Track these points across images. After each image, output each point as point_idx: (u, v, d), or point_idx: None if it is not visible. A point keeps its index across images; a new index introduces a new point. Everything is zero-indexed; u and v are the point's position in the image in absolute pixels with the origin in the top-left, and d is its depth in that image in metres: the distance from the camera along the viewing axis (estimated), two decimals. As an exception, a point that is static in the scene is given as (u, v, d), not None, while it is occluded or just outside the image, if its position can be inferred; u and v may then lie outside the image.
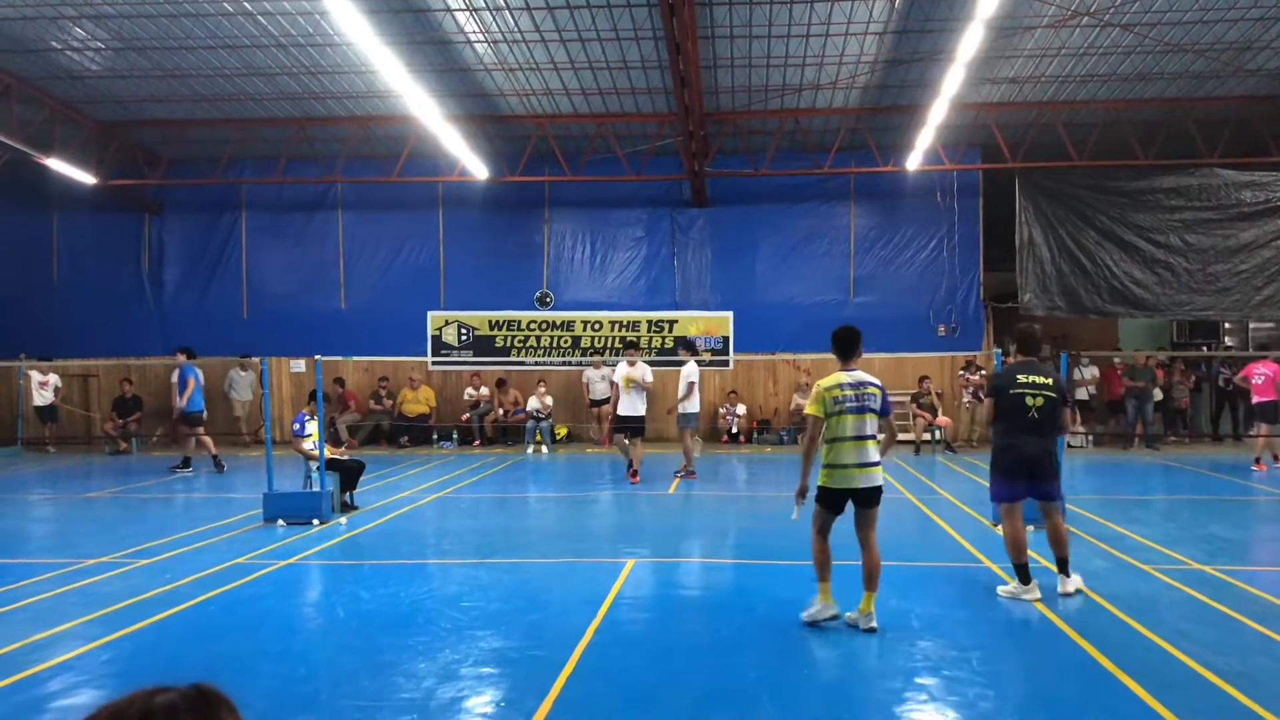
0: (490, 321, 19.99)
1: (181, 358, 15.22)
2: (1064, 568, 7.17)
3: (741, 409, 19.18)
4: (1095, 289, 18.30)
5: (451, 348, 20.02)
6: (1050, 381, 7.10)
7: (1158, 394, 18.71)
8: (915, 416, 18.13)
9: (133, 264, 20.52)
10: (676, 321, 19.63)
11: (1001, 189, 18.59)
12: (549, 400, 18.72)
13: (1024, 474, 7.04)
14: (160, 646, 6.07)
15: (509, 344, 19.97)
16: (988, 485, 7.40)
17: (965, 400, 18.45)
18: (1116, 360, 19.07)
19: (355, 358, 18.42)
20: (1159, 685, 5.08)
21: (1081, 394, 19.05)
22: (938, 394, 18.27)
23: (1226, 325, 20.70)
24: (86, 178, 17.94)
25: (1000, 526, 7.36)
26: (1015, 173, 18.24)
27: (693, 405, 13.77)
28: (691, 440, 14.16)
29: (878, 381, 6.44)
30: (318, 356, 11.31)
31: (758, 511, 11.83)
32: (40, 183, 18.83)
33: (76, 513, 11.90)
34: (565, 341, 19.68)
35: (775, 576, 7.99)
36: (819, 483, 6.42)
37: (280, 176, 19.12)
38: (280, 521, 10.13)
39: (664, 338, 19.51)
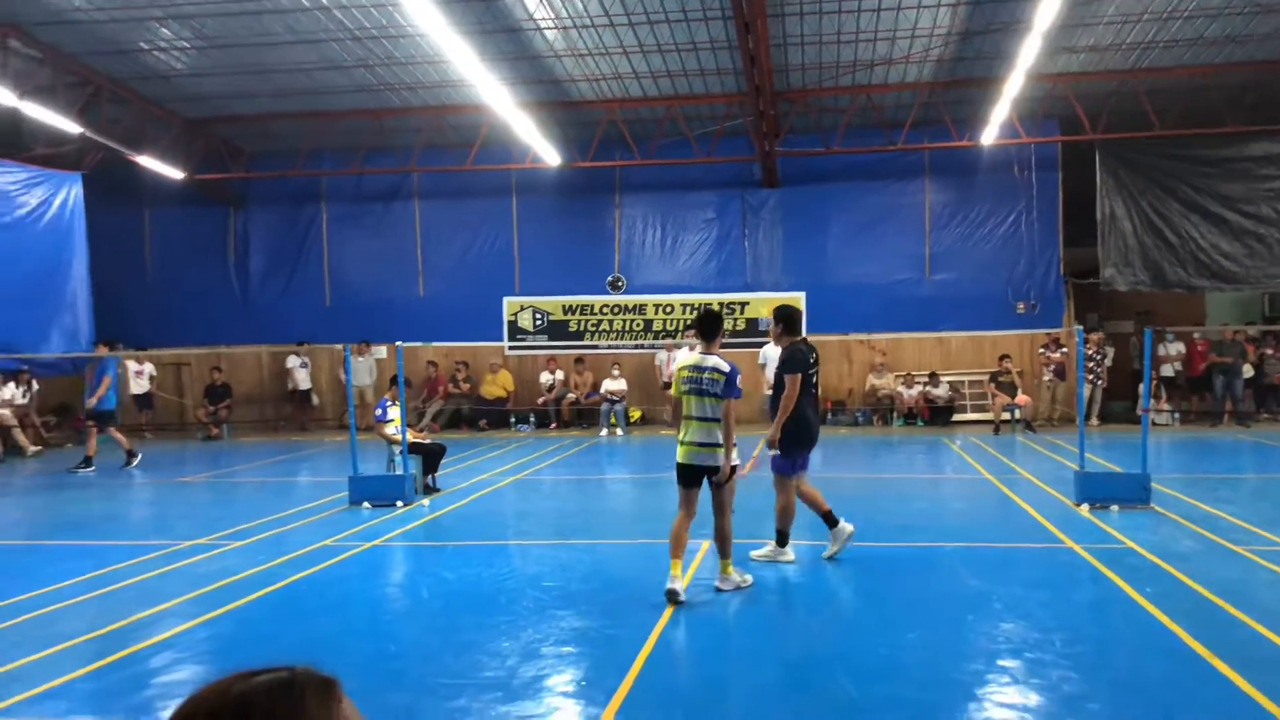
0: (564, 306, 20.17)
1: (103, 350, 14.84)
2: (831, 519, 7.73)
3: (816, 390, 19.03)
4: (1180, 262, 17.74)
5: (527, 332, 20.27)
6: (816, 355, 7.70)
7: (1248, 370, 18.08)
8: (993, 396, 17.82)
9: (219, 256, 21.17)
10: (748, 303, 19.57)
11: (1081, 161, 18.10)
12: (623, 383, 18.85)
13: (810, 446, 7.69)
14: (255, 625, 6.32)
15: (582, 328, 20.13)
16: (779, 455, 7.52)
17: (1047, 379, 18.06)
18: (1199, 335, 18.47)
19: (434, 343, 18.78)
20: (1250, 667, 4.98)
21: (1167, 370, 18.51)
22: (1018, 373, 17.92)
23: (1322, 297, 19.89)
24: (175, 173, 18.56)
25: (782, 497, 7.62)
26: (1095, 144, 17.74)
27: None
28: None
29: (726, 367, 6.57)
30: (399, 343, 11.56)
31: (835, 492, 11.79)
32: (131, 179, 19.51)
33: (173, 497, 12.39)
34: (638, 325, 19.77)
35: (854, 559, 7.97)
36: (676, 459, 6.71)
37: (358, 167, 19.53)
38: (365, 504, 10.41)
39: (735, 319, 19.45)
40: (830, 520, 7.71)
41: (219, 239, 21.17)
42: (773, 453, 7.52)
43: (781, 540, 7.67)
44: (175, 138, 18.60)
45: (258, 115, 18.53)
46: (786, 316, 7.64)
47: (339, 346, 15.32)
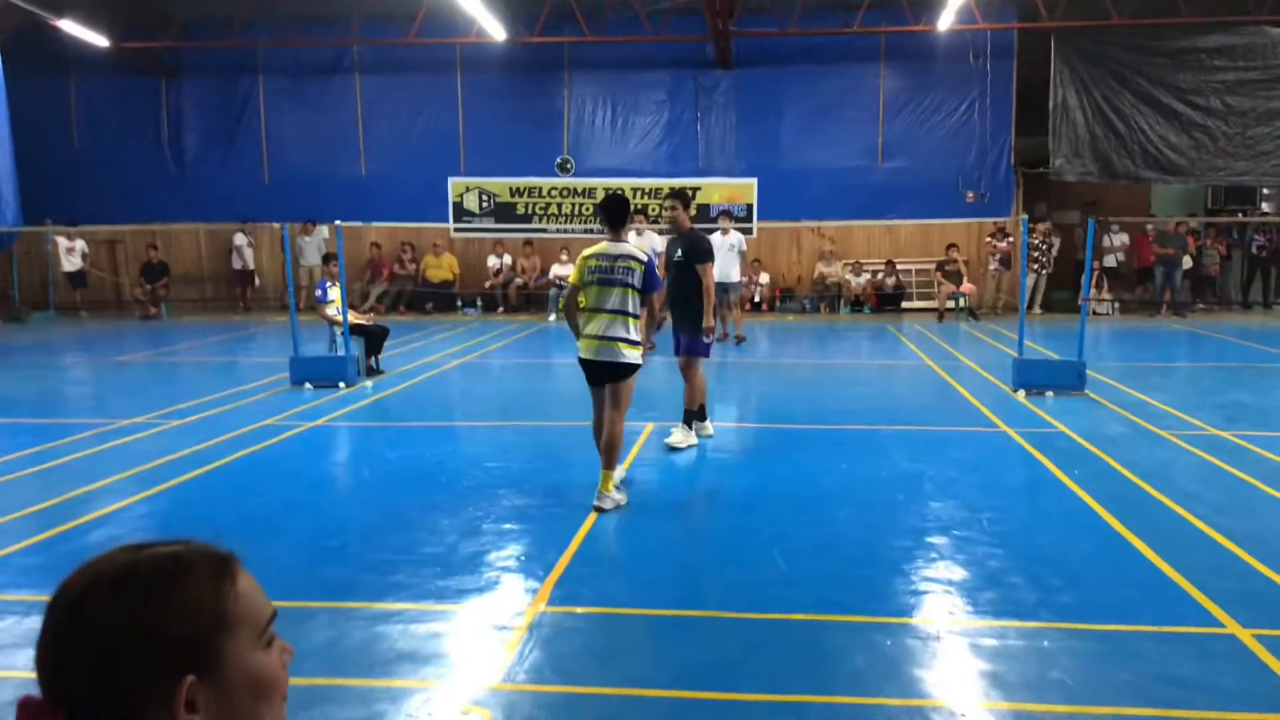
0: (511, 188, 19.79)
1: None
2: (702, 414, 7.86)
3: (765, 277, 19.08)
4: (1129, 154, 17.81)
5: (473, 214, 19.91)
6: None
7: (1187, 261, 18.40)
8: (940, 284, 18.00)
9: (152, 130, 20.32)
10: (699, 189, 19.34)
11: (1036, 51, 17.91)
12: (571, 268, 18.67)
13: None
14: (194, 502, 6.29)
15: (530, 211, 19.82)
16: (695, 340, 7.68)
17: (992, 268, 18.23)
18: (1148, 227, 18.71)
19: (377, 223, 18.39)
20: (1166, 545, 5.18)
21: (1110, 261, 18.78)
22: (964, 261, 18.07)
23: (1264, 191, 20.16)
24: (99, 40, 17.64)
25: (699, 378, 7.78)
26: (1051, 32, 17.53)
27: (734, 274, 14.22)
28: (731, 310, 14.38)
29: (643, 256, 6.07)
30: (338, 222, 11.30)
31: (779, 377, 11.94)
32: (54, 47, 18.50)
33: (110, 376, 12.17)
34: (587, 209, 19.49)
35: (791, 440, 8.10)
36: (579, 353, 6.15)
37: (296, 39, 18.70)
38: (307, 385, 10.31)
39: (676, 206, 19.21)
40: (702, 414, 7.85)
41: (150, 112, 20.29)
42: (708, 340, 7.60)
43: (701, 415, 7.80)
44: (99, 2, 17.60)
45: (189, -21, 17.58)
46: (685, 198, 7.64)
47: (276, 226, 14.95)
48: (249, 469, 7.08)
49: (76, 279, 19.07)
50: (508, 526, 5.70)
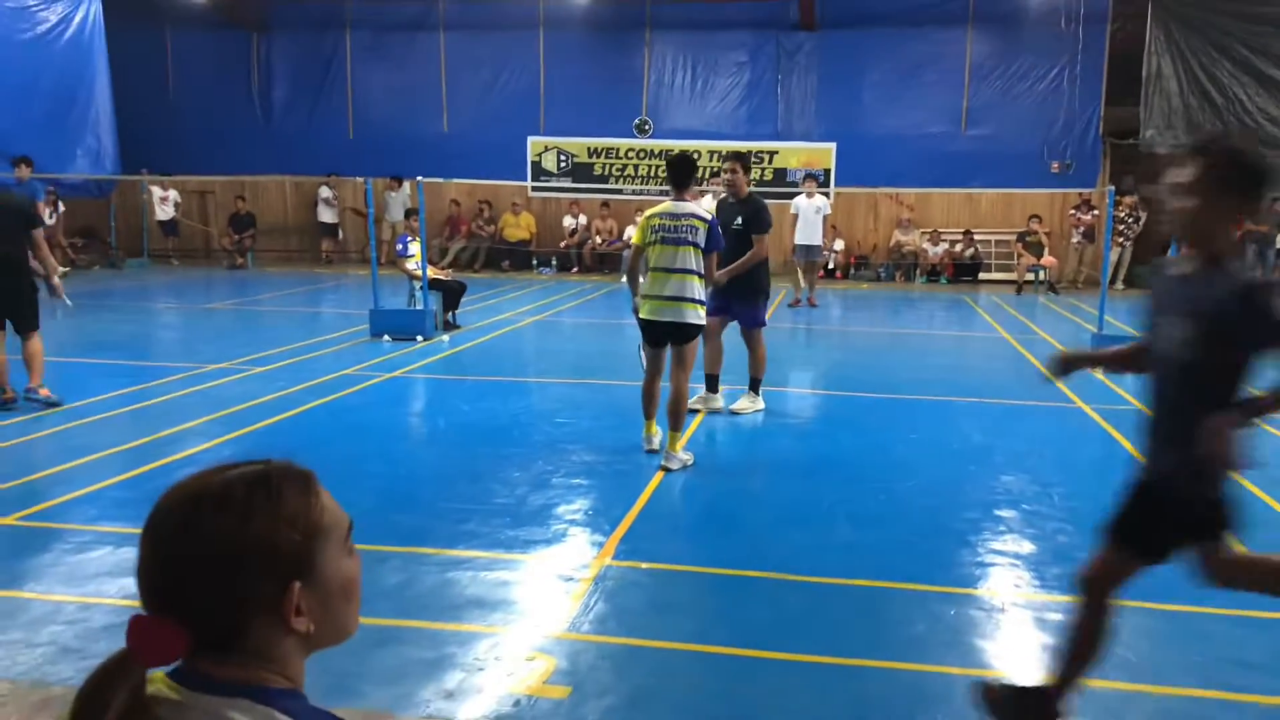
0: (589, 149, 19.82)
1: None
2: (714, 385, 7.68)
3: (840, 244, 18.87)
4: (1224, 125, 17.11)
5: (551, 174, 20.00)
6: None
7: (1280, 240, 17.69)
8: (1020, 256, 17.61)
9: (243, 83, 20.79)
10: (777, 153, 19.16)
11: (1131, 17, 17.26)
12: (646, 229, 18.68)
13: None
14: (275, 446, 6.47)
15: (607, 172, 19.84)
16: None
17: (1075, 240, 17.76)
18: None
19: (457, 180, 18.56)
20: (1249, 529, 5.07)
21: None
22: (1046, 233, 17.63)
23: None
24: (194, -6, 18.06)
25: (761, 348, 7.63)
26: (1150, -3, 16.87)
27: (816, 238, 14.37)
28: (804, 273, 14.41)
29: (706, 215, 6.08)
30: (419, 178, 11.48)
31: (850, 345, 11.87)
32: (150, 1, 18.99)
33: (199, 322, 12.61)
34: (663, 171, 19.38)
35: (862, 408, 8.08)
36: (639, 313, 6.17)
37: (382, -6, 18.90)
38: (386, 337, 10.56)
39: (764, 169, 19.10)
40: (714, 384, 7.65)
41: (242, 65, 20.74)
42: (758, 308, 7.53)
43: (755, 387, 7.65)
44: (195, -45, 18.01)
45: (280, -66, 17.86)
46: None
47: (360, 180, 15.22)
48: (328, 416, 7.32)
49: (169, 228, 19.68)
50: (576, 481, 5.82)
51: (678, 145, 18.75)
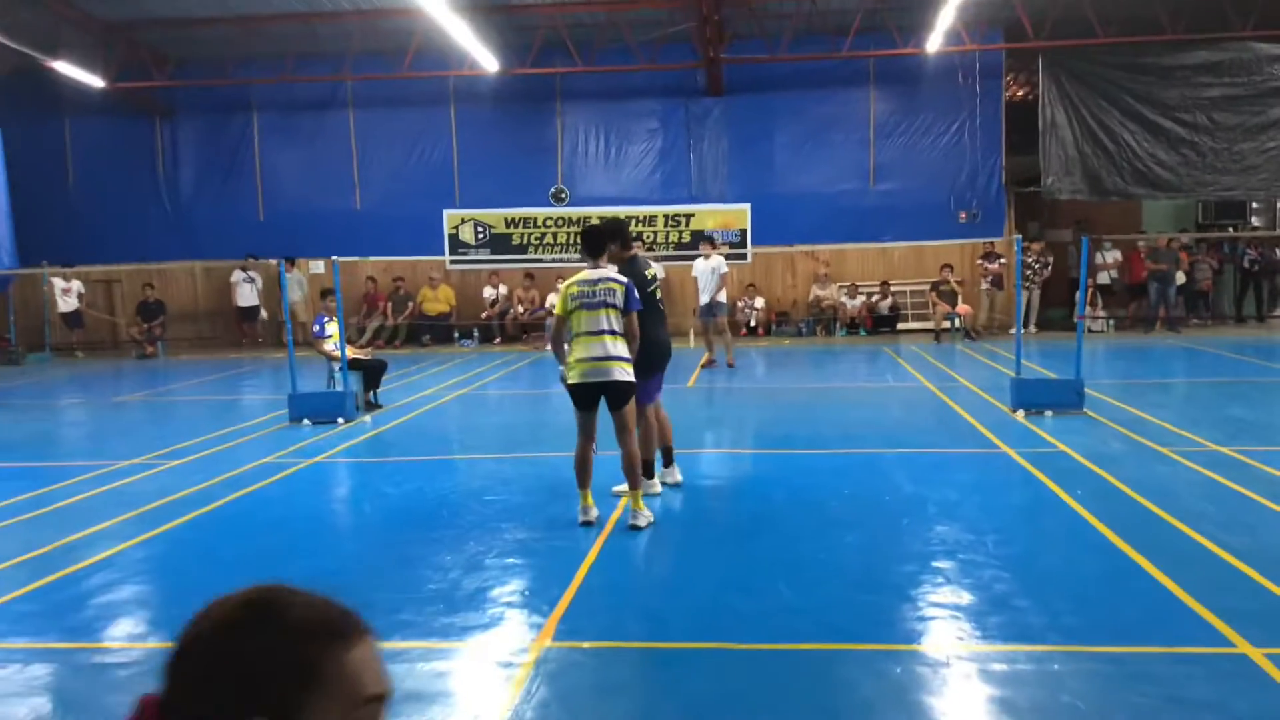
0: (506, 219, 19.86)
1: None
2: (669, 458, 7.26)
3: (760, 302, 19.12)
4: (1118, 171, 17.93)
5: (469, 246, 19.96)
6: (656, 270, 7.12)
7: (1180, 277, 18.47)
8: (935, 305, 18.04)
9: (148, 168, 20.41)
10: (693, 215, 19.42)
11: (1024, 71, 18.06)
12: (567, 297, 18.69)
13: (662, 365, 6.92)
14: (193, 544, 6.25)
15: (526, 241, 19.88)
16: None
17: (984, 288, 18.27)
18: (1140, 243, 18.80)
19: (372, 258, 18.42)
20: (1172, 564, 5.15)
21: (1103, 278, 18.85)
22: (958, 282, 18.11)
23: (1254, 205, 20.29)
24: (94, 80, 17.74)
25: (640, 424, 6.68)
26: (1039, 52, 17.69)
27: (722, 296, 14.28)
28: (715, 333, 14.30)
29: (622, 279, 6.20)
30: (335, 258, 11.31)
31: (777, 402, 11.93)
32: (49, 87, 18.60)
33: (106, 416, 12.14)
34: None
35: (795, 464, 8.09)
36: (567, 380, 6.21)
37: (289, 75, 18.82)
38: (306, 421, 10.28)
39: (681, 232, 19.33)
40: (668, 457, 7.23)
41: (146, 151, 20.39)
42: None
43: (648, 472, 6.85)
44: (94, 43, 17.72)
45: (181, 20, 17.69)
46: (614, 231, 6.65)
47: (273, 262, 14.98)
48: (248, 509, 7.05)
49: (72, 320, 19.07)
50: (511, 561, 5.67)
51: (594, 212, 18.93)
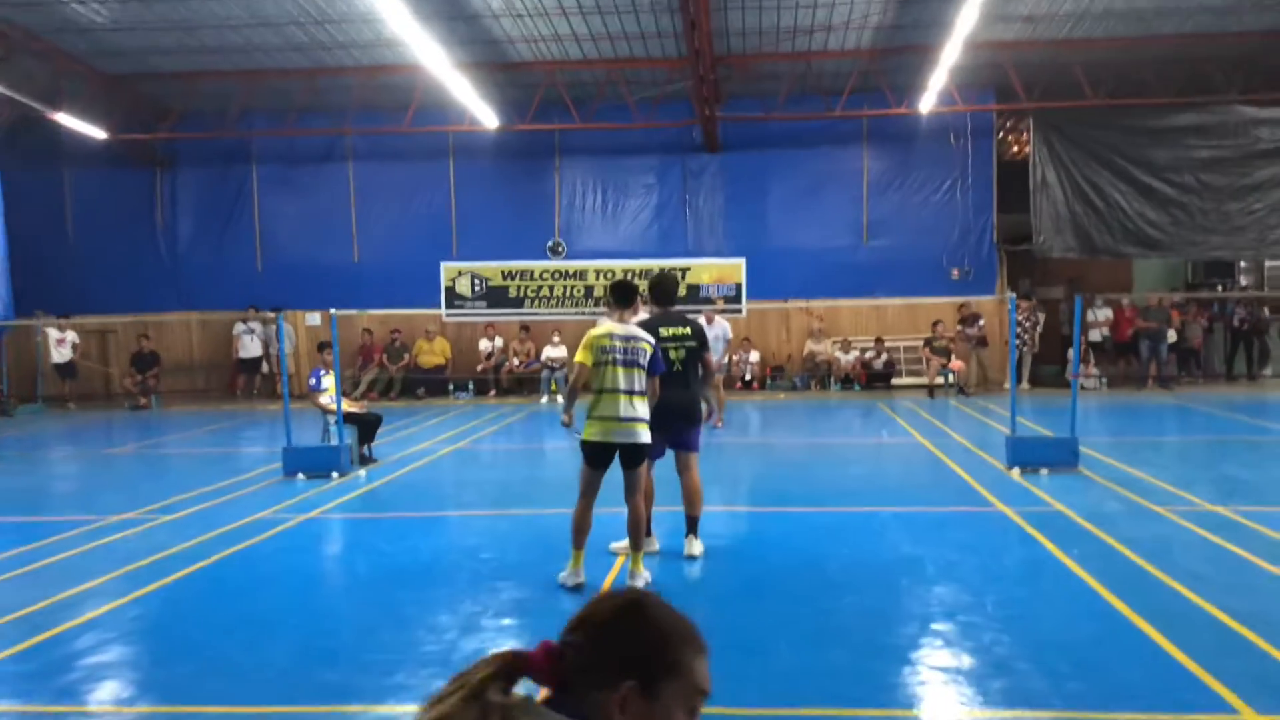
0: (503, 272, 19.93)
1: None
2: (693, 527, 6.89)
3: (755, 356, 19.18)
4: (1109, 230, 18.14)
5: (465, 299, 20.00)
6: (689, 331, 6.88)
7: (1171, 335, 18.60)
8: (928, 360, 18.11)
9: (146, 219, 20.51)
10: (689, 269, 19.52)
11: (1015, 131, 18.34)
12: (564, 350, 18.76)
13: (666, 428, 6.61)
14: (186, 602, 6.18)
15: (522, 294, 19.94)
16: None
17: (969, 347, 18.32)
18: (1127, 301, 18.96)
19: (369, 310, 18.46)
20: (1172, 627, 5.13)
21: (1095, 335, 18.95)
22: (950, 339, 18.21)
23: (1241, 264, 20.51)
24: (96, 132, 17.89)
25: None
26: (1030, 113, 17.98)
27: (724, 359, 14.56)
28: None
29: (650, 338, 6.20)
30: (332, 310, 11.34)
31: (773, 459, 11.91)
32: (50, 138, 18.76)
33: (98, 469, 12.06)
34: (578, 291, 19.61)
35: (792, 523, 8.06)
36: (583, 436, 6.12)
37: (290, 128, 19.01)
38: (300, 475, 10.23)
39: (648, 288, 19.39)
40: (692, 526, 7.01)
41: (145, 202, 20.51)
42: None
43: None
44: (96, 95, 17.91)
45: (184, 73, 17.91)
46: (654, 285, 7.15)
47: (270, 314, 15.01)
48: (241, 566, 6.98)
49: (65, 370, 19.00)
50: (507, 621, 5.62)
51: (592, 266, 19.05)
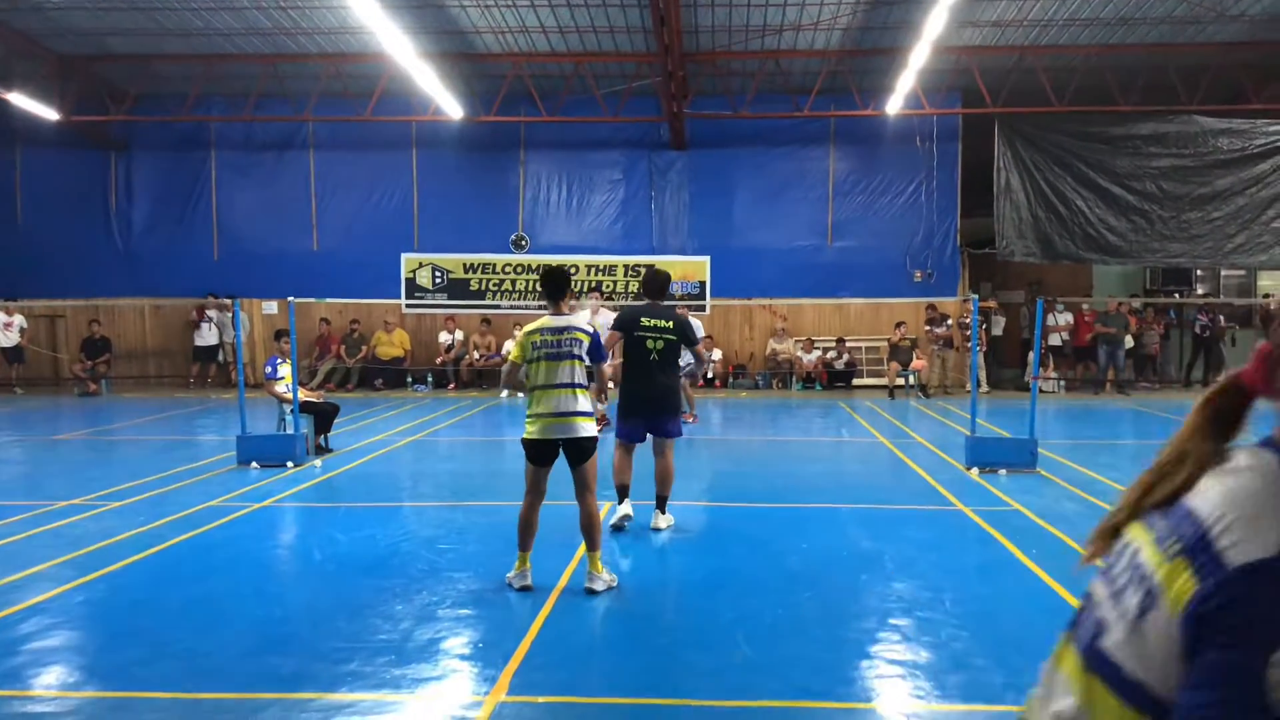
0: (465, 264, 19.79)
1: None
2: (661, 505, 7.55)
3: (717, 354, 19.18)
4: (1070, 235, 18.36)
5: (426, 290, 19.83)
6: (671, 324, 7.35)
7: (1129, 340, 18.87)
8: (889, 361, 18.22)
9: (100, 203, 20.10)
10: (653, 266, 19.46)
11: (981, 134, 18.50)
12: (525, 344, 18.61)
13: (644, 414, 7.29)
14: (134, 588, 6.03)
15: (484, 287, 19.81)
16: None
17: (935, 348, 18.46)
18: (1087, 306, 19.20)
19: (328, 300, 18.21)
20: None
21: (1055, 340, 19.17)
22: (912, 340, 18.33)
23: (1199, 272, 20.86)
24: (49, 113, 17.48)
25: (615, 457, 7.44)
26: (995, 118, 18.15)
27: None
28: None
29: (588, 328, 6.06)
30: (290, 298, 11.16)
31: (734, 455, 11.90)
32: (1, 118, 18.33)
33: (46, 455, 11.78)
34: (540, 285, 19.50)
35: (751, 519, 8.04)
36: (523, 434, 5.98)
37: (250, 114, 18.70)
38: (254, 464, 10.06)
39: (640, 282, 19.36)
40: (623, 494, 7.41)
41: (99, 185, 20.09)
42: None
43: (622, 496, 7.37)
44: (50, 76, 17.51)
45: (141, 55, 17.58)
46: (645, 279, 7.90)
47: (228, 301, 14.75)
48: (193, 552, 6.83)
49: (12, 354, 18.57)
50: (463, 612, 5.54)
51: (555, 260, 18.91)
